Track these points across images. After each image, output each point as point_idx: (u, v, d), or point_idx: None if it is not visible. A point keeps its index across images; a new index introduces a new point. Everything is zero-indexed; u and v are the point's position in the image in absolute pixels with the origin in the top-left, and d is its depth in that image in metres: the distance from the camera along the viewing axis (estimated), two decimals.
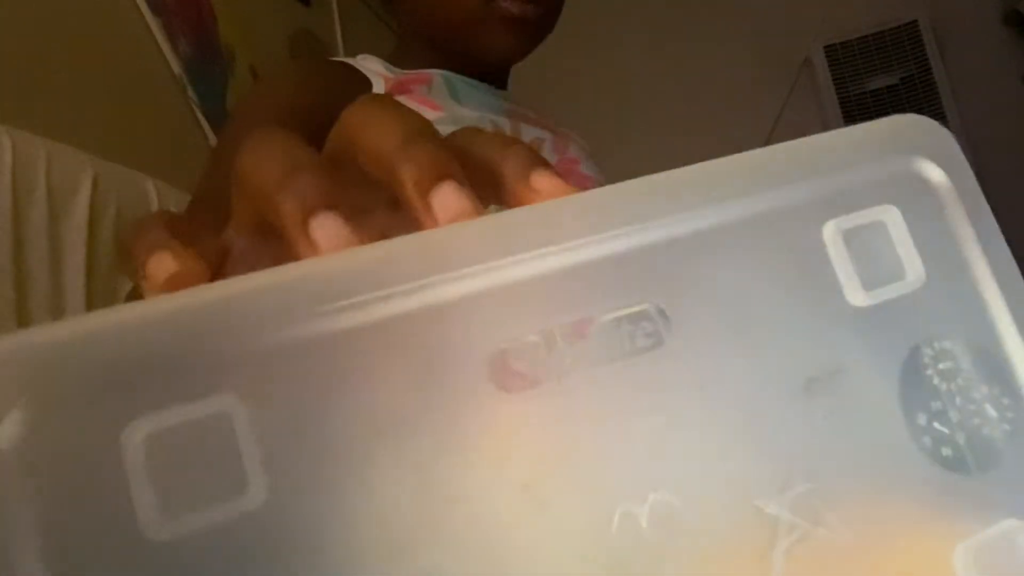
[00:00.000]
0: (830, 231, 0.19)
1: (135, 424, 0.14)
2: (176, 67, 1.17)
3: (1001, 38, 2.11)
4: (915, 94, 2.08)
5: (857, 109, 2.11)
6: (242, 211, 0.20)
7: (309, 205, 0.17)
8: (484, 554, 0.15)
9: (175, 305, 0.15)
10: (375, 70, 0.64)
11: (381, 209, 0.22)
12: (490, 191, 0.20)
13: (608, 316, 0.17)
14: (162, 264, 0.19)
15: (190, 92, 1.18)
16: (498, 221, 0.17)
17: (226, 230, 0.21)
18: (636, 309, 0.18)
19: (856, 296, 0.18)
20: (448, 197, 0.18)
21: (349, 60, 0.65)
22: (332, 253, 0.17)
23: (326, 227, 0.17)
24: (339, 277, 0.16)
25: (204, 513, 0.14)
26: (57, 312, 0.77)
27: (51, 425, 0.14)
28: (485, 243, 0.17)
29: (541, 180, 0.19)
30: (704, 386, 0.17)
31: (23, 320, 0.75)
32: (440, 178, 0.18)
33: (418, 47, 0.68)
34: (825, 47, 2.14)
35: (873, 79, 2.12)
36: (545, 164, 0.19)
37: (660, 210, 0.18)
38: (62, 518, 0.13)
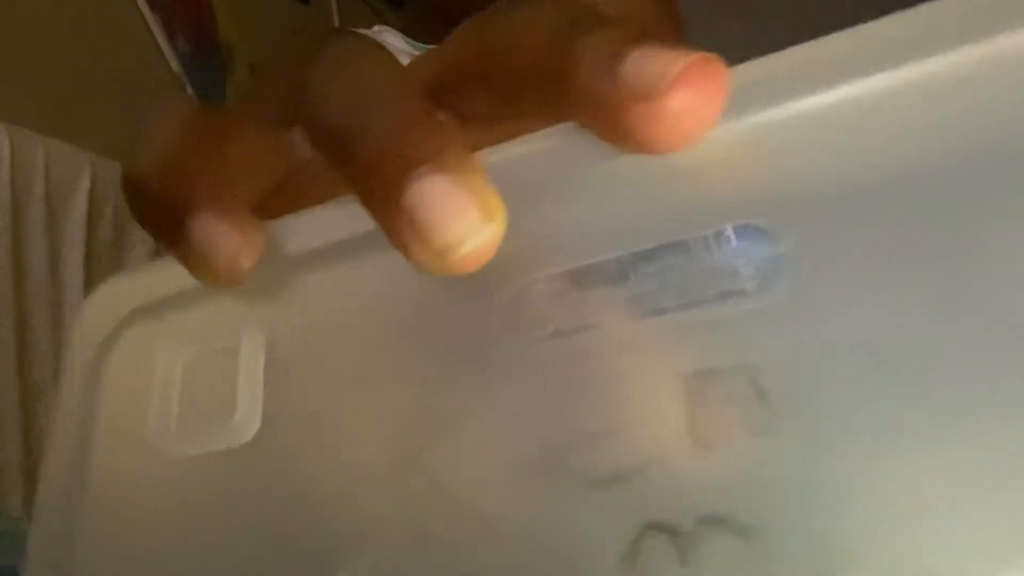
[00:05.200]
0: None
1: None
2: (175, 65, 1.17)
3: None
4: None
5: None
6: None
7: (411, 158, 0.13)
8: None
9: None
10: (397, 46, 0.63)
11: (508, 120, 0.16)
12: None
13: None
14: (220, 236, 0.14)
15: (189, 90, 1.18)
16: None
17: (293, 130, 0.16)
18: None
19: None
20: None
21: (367, 32, 0.64)
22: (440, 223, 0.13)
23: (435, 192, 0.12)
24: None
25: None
26: (55, 309, 0.77)
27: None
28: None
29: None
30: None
31: (20, 317, 0.75)
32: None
33: (435, 20, 0.67)
34: None
35: None
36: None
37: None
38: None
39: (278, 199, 0.16)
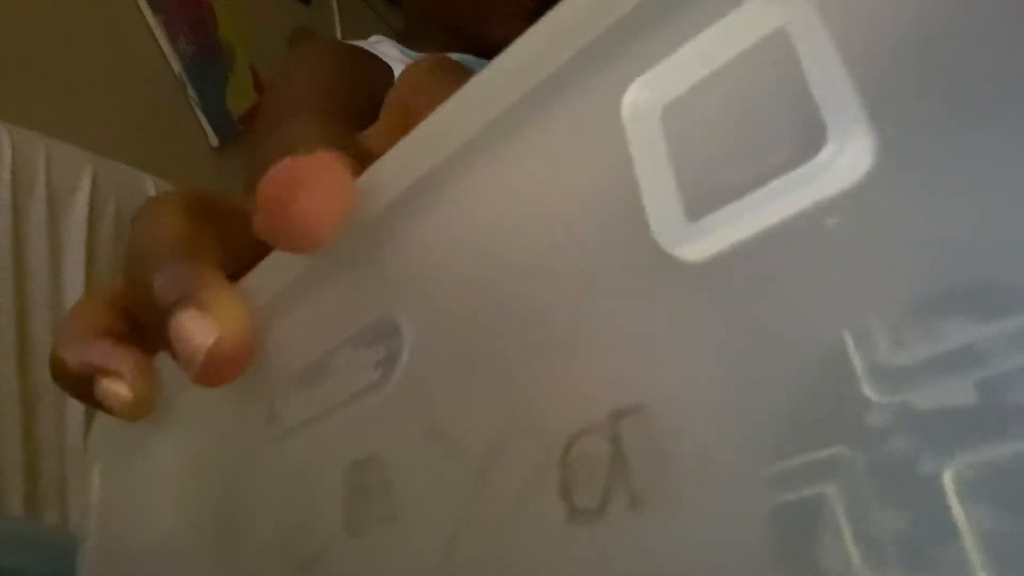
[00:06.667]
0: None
1: None
2: (176, 65, 1.17)
3: None
4: None
5: None
6: None
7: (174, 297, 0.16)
8: None
9: None
10: (392, 55, 0.63)
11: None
12: None
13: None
14: (112, 393, 0.18)
15: (190, 90, 1.18)
16: None
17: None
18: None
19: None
20: None
21: (363, 43, 0.64)
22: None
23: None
24: None
25: None
26: (56, 309, 0.77)
27: None
28: None
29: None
30: None
31: (21, 317, 0.75)
32: None
33: (429, 29, 0.67)
34: None
35: None
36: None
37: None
38: None
39: None
